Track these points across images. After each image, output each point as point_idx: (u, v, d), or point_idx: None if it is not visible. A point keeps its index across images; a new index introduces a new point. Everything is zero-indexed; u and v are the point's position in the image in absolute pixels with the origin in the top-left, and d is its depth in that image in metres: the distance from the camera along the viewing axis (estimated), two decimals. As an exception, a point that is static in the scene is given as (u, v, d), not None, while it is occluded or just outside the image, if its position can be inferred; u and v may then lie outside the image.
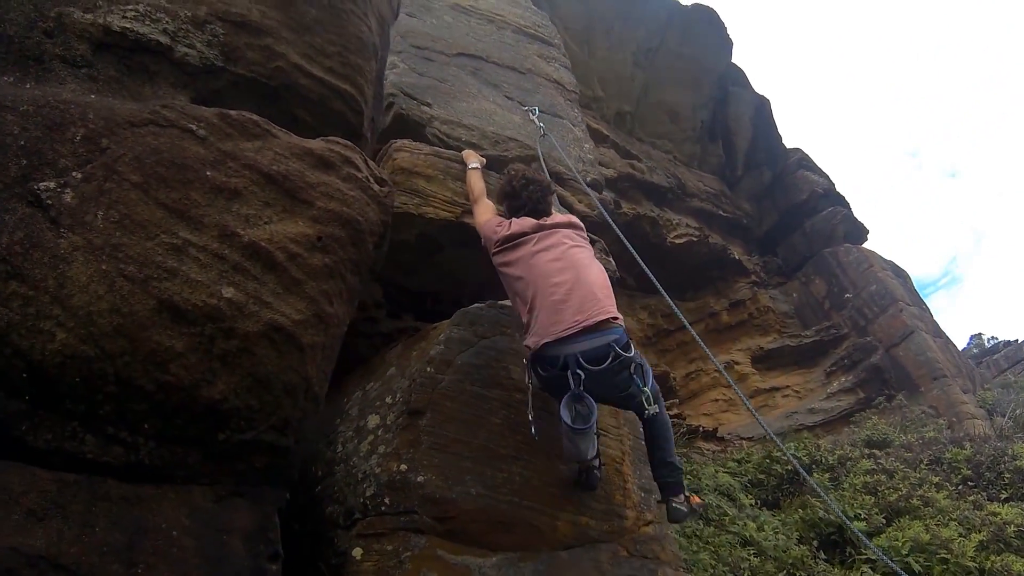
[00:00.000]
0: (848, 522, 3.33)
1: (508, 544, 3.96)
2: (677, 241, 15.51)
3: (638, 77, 17.16)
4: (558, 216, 4.49)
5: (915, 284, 16.24)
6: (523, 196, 4.44)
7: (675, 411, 13.66)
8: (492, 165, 5.25)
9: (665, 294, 4.26)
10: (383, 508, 3.81)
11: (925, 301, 15.78)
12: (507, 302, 4.76)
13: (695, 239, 15.76)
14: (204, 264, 2.71)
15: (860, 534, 3.18)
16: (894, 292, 14.75)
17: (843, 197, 17.25)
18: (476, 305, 4.70)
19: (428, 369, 4.24)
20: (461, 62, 6.23)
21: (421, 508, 3.78)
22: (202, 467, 2.69)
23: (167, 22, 3.34)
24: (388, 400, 4.33)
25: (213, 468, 2.72)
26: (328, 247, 3.09)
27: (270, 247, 2.88)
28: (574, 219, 4.48)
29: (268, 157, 3.09)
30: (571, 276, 4.02)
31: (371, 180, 3.44)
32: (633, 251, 4.67)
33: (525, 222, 4.31)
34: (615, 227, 4.93)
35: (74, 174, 2.60)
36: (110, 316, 2.49)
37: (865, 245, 16.66)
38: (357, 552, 3.73)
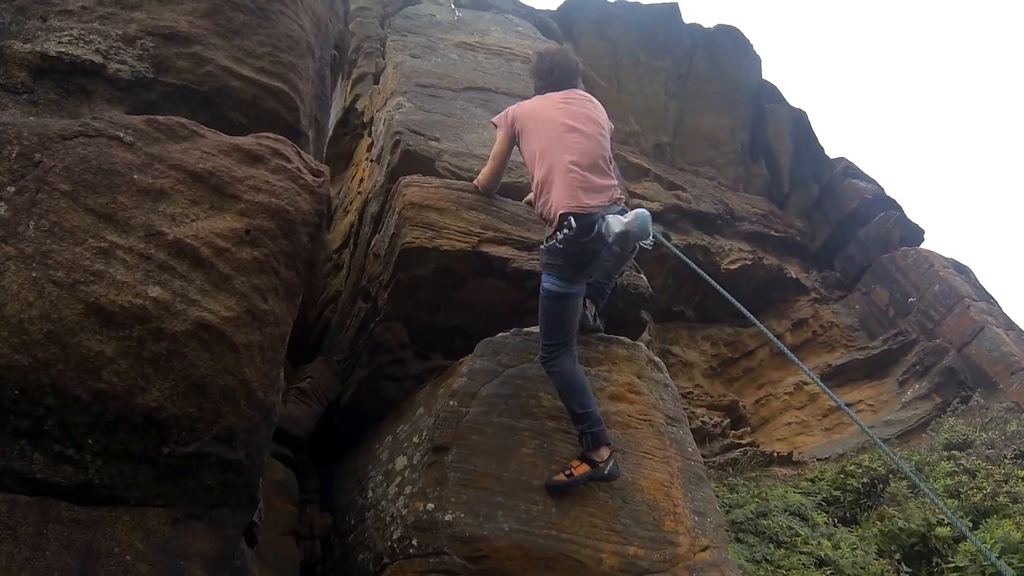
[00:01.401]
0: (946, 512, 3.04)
1: (550, 581, 3.74)
2: (732, 267, 15.16)
3: (672, 106, 17.03)
4: (581, 93, 4.67)
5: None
6: (550, 79, 4.66)
7: (747, 439, 13.22)
8: (508, 192, 5.14)
9: (750, 316, 4.07)
10: (411, 551, 3.64)
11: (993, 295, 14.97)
12: (532, 328, 4.60)
13: (749, 263, 15.40)
14: (130, 265, 2.70)
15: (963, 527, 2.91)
16: (959, 289, 14.09)
17: (894, 200, 16.64)
18: (500, 334, 4.54)
19: (451, 403, 4.09)
20: (469, 96, 6.18)
21: (451, 548, 3.59)
22: (154, 487, 2.61)
23: (99, 42, 3.50)
24: (415, 440, 4.19)
25: (165, 488, 2.63)
26: (257, 240, 3.01)
27: (196, 243, 2.84)
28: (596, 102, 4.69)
29: (195, 156, 3.09)
30: (590, 154, 4.23)
31: (303, 170, 3.36)
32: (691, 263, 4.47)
33: (549, 97, 4.53)
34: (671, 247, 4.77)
35: (8, 188, 2.68)
36: (40, 323, 2.49)
37: (923, 245, 16.09)
38: (387, 599, 3.56)
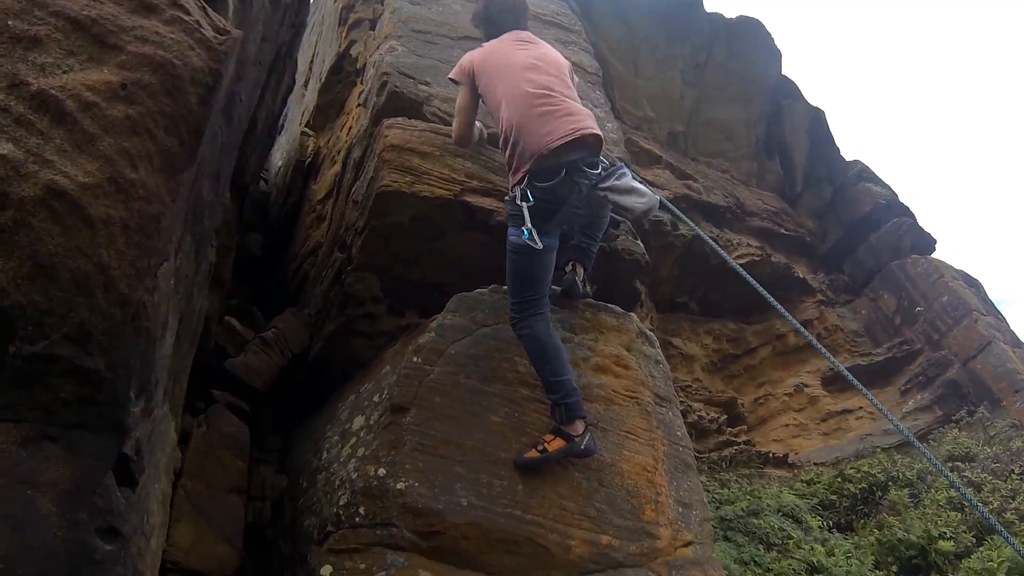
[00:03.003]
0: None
1: (510, 567, 3.34)
2: (739, 261, 14.74)
3: (688, 95, 16.59)
4: (532, 36, 4.44)
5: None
6: (501, 24, 4.42)
7: (743, 438, 12.87)
8: (497, 142, 4.74)
9: (775, 302, 3.80)
10: (357, 519, 3.25)
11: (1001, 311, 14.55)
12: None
13: (757, 259, 15.01)
14: (-15, 118, 2.29)
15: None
16: (968, 302, 13.72)
17: (907, 207, 16.22)
18: (478, 290, 4.15)
19: (416, 360, 3.70)
20: (466, 45, 5.72)
21: (400, 520, 3.21)
22: (3, 396, 2.19)
23: None
24: (376, 399, 3.80)
25: (15, 398, 2.20)
26: (133, 96, 2.53)
27: (61, 95, 2.40)
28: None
29: (80, 3, 2.63)
30: (557, 88, 3.99)
31: (203, 25, 2.87)
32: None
33: (503, 40, 4.29)
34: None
35: None
36: None
37: (934, 255, 15.68)
38: (326, 570, 3.17)
